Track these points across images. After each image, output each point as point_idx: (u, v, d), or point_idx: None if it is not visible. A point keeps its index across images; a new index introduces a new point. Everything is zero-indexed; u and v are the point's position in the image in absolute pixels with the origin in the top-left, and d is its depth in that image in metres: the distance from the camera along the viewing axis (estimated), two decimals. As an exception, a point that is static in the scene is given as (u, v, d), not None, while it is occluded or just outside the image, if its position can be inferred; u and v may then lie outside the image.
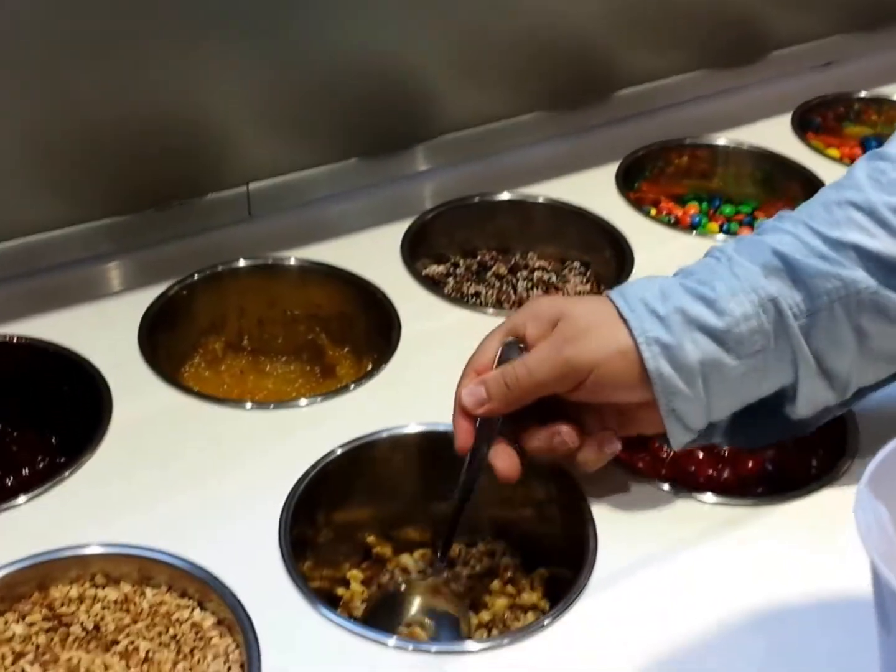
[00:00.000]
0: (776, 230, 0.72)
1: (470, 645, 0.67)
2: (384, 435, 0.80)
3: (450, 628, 0.75)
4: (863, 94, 1.34)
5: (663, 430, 0.71)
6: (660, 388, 0.68)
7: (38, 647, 0.66)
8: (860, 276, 0.68)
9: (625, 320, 0.69)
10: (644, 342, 0.68)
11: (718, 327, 0.68)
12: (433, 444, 0.80)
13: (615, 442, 0.72)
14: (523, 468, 0.72)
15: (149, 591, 0.69)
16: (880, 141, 1.28)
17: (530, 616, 0.77)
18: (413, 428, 0.81)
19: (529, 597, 0.78)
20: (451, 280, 1.06)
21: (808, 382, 0.71)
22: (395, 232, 1.04)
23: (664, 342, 0.68)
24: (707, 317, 0.68)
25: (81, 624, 0.67)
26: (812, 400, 0.72)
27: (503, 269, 1.08)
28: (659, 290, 0.70)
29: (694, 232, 1.12)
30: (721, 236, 1.12)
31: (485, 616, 0.77)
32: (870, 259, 0.68)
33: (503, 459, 0.71)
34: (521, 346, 0.72)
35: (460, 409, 0.72)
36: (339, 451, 0.79)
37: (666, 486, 0.77)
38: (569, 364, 0.69)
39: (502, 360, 0.72)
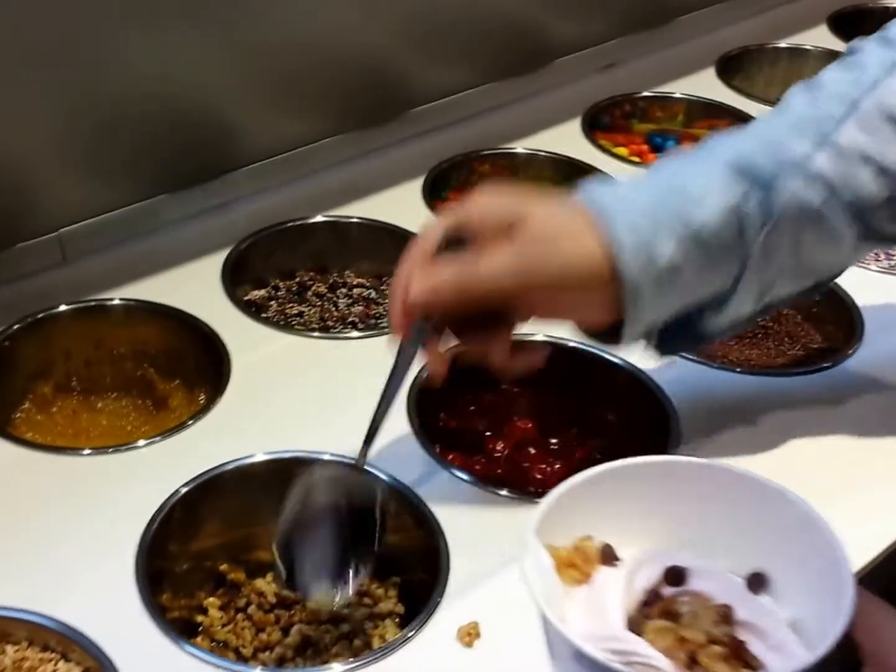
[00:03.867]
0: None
1: (335, 668, 0.65)
2: (230, 467, 0.78)
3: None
4: (646, 92, 1.35)
5: (598, 319, 0.68)
6: (629, 292, 0.64)
7: None
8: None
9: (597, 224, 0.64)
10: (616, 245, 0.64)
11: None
12: (280, 470, 0.78)
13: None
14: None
15: (9, 648, 0.65)
16: (665, 136, 1.32)
17: (388, 623, 0.76)
18: (259, 457, 0.78)
19: (386, 605, 0.77)
20: (273, 303, 1.04)
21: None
22: (214, 262, 1.01)
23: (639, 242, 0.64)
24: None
25: (-59, 692, 0.63)
26: (737, 312, 0.69)
27: (323, 288, 1.06)
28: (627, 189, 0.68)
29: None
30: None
31: (344, 628, 0.75)
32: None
33: (436, 363, 0.68)
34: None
35: (401, 303, 0.66)
36: (185, 490, 0.76)
37: (505, 492, 0.77)
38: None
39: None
